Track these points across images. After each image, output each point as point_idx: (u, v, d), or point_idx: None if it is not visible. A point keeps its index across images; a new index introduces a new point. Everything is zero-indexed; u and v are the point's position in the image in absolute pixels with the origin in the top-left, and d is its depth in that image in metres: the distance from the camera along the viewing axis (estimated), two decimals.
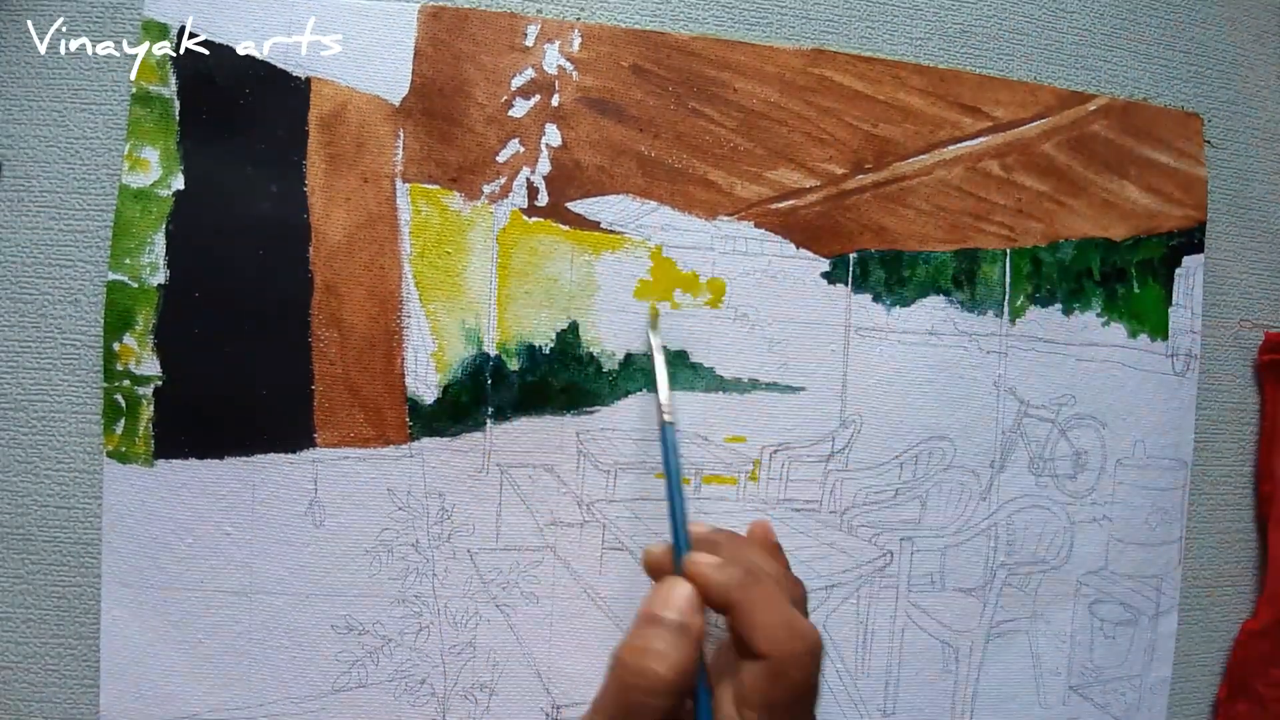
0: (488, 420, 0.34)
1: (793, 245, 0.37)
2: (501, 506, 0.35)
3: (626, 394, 0.35)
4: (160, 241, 0.33)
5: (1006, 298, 0.38)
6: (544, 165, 0.35)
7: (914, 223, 0.38)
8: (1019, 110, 0.39)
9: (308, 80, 0.34)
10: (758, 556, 0.29)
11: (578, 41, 0.35)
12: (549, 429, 0.35)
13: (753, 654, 0.26)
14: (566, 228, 0.35)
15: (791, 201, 0.37)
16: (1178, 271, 0.40)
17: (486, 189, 0.35)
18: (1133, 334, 0.40)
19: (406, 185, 0.34)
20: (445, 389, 0.34)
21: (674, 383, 0.36)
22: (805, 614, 0.28)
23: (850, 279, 0.37)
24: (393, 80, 0.34)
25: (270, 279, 0.33)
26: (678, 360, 0.36)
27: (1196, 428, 0.41)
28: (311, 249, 0.34)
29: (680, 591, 0.27)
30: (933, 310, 0.38)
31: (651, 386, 0.35)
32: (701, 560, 0.27)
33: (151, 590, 0.33)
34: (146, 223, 0.33)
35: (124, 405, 0.33)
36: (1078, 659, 0.40)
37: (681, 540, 0.29)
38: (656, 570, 0.29)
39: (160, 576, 0.33)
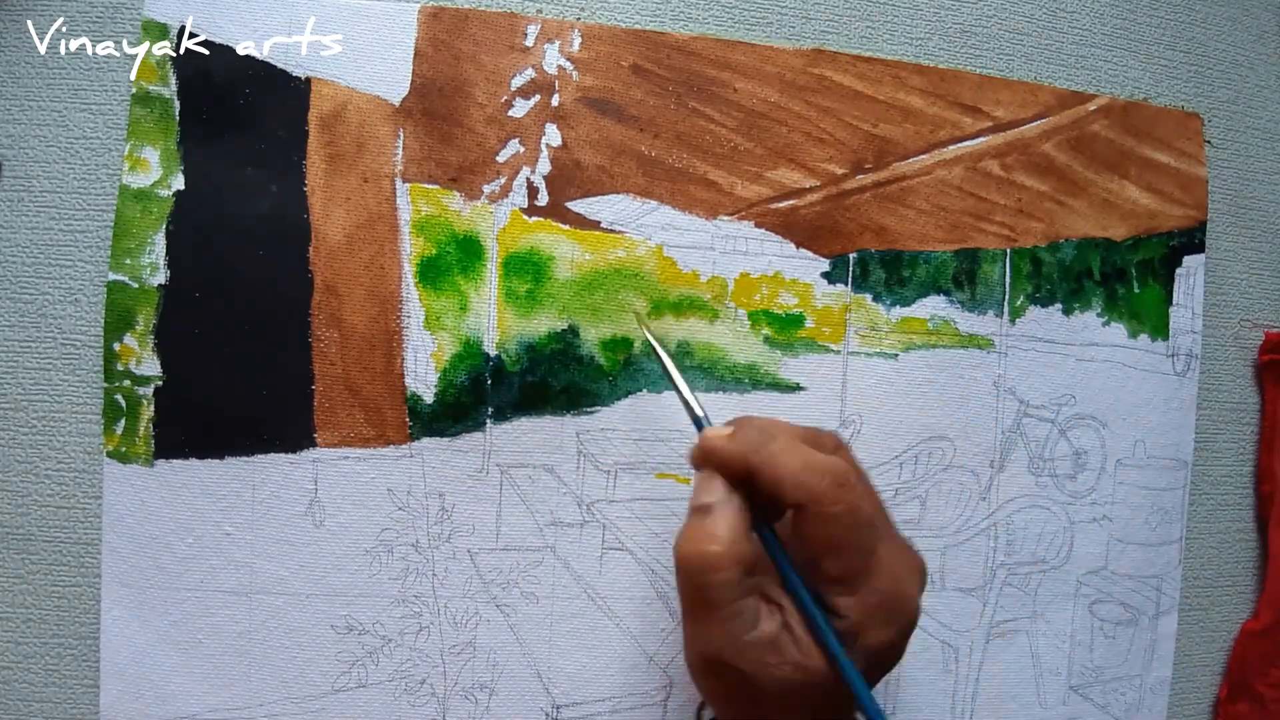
0: (488, 420, 0.34)
1: (793, 245, 0.37)
2: (501, 506, 0.35)
3: (626, 394, 0.35)
4: (160, 241, 0.33)
5: (1006, 298, 0.38)
6: (544, 165, 0.35)
7: (914, 223, 0.38)
8: (1019, 110, 0.39)
9: (308, 80, 0.34)
10: (775, 423, 0.29)
11: (578, 41, 0.35)
12: (549, 429, 0.35)
13: (791, 509, 0.27)
14: (567, 227, 0.35)
15: (792, 201, 0.37)
16: (1178, 271, 0.40)
17: (486, 189, 0.35)
18: (1133, 334, 0.40)
19: (406, 185, 0.34)
20: (445, 389, 0.34)
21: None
22: (859, 480, 0.28)
23: (850, 279, 0.37)
24: (393, 80, 0.34)
25: (270, 279, 0.33)
26: (680, 360, 0.36)
27: (1196, 428, 0.41)
28: (311, 249, 0.34)
29: (710, 477, 0.28)
30: (933, 310, 0.38)
31: (657, 385, 0.35)
32: (713, 434, 0.28)
33: (151, 590, 0.33)
34: (146, 223, 0.33)
35: (124, 405, 0.33)
36: (1078, 659, 0.39)
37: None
38: (696, 463, 0.30)
39: (160, 576, 0.33)
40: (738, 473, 0.28)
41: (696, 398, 0.31)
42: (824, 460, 0.27)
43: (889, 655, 0.28)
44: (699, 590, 0.27)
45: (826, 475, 0.26)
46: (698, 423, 0.30)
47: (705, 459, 0.28)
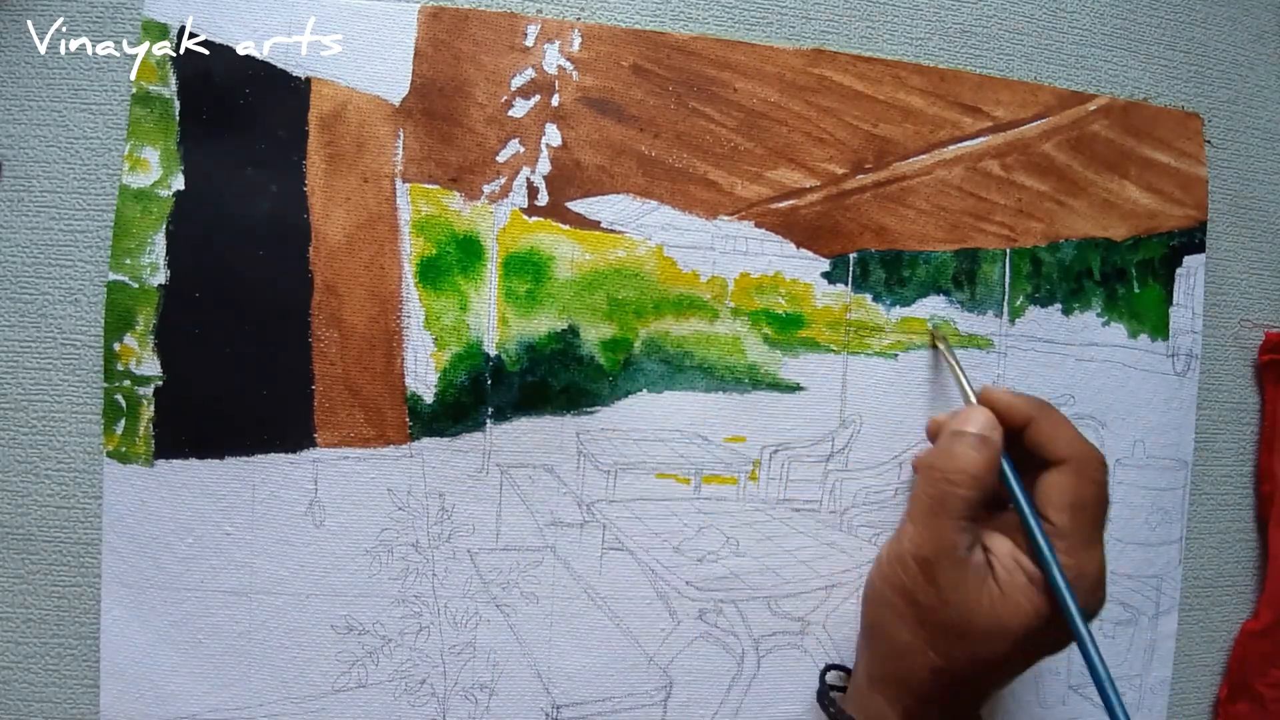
0: (488, 420, 0.34)
1: (793, 245, 0.37)
2: (501, 506, 0.35)
3: (626, 394, 0.35)
4: (160, 241, 0.33)
5: (1006, 298, 0.38)
6: (544, 165, 0.35)
7: (914, 223, 0.38)
8: (1019, 110, 0.39)
9: (308, 80, 0.34)
10: None
11: (578, 41, 0.35)
12: (549, 429, 0.35)
13: (1052, 462, 0.30)
14: (567, 227, 0.35)
15: (792, 201, 0.37)
16: (1178, 271, 0.40)
17: (486, 189, 0.35)
18: (1133, 334, 0.40)
19: (406, 185, 0.34)
20: (445, 389, 0.34)
21: (673, 383, 0.36)
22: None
23: (850, 279, 0.37)
24: (393, 80, 0.34)
25: (270, 279, 0.33)
26: (679, 360, 0.36)
27: (1196, 428, 0.41)
28: (311, 249, 0.34)
29: (980, 412, 0.32)
30: (933, 310, 0.38)
31: (657, 385, 0.35)
32: (1000, 388, 0.33)
33: (151, 590, 0.33)
34: (146, 223, 0.33)
35: (124, 405, 0.33)
36: (1077, 659, 0.39)
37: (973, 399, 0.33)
38: (937, 431, 0.33)
39: (160, 576, 0.33)
40: (1015, 420, 0.31)
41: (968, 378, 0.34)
42: (1091, 442, 0.31)
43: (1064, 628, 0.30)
44: (941, 496, 0.30)
45: (1096, 449, 0.31)
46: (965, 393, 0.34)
47: (989, 402, 0.32)
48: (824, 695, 0.34)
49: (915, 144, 0.38)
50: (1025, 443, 0.31)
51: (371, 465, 0.34)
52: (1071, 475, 0.30)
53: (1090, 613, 0.30)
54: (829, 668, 0.36)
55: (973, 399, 0.33)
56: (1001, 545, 0.30)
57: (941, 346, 0.36)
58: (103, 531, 0.33)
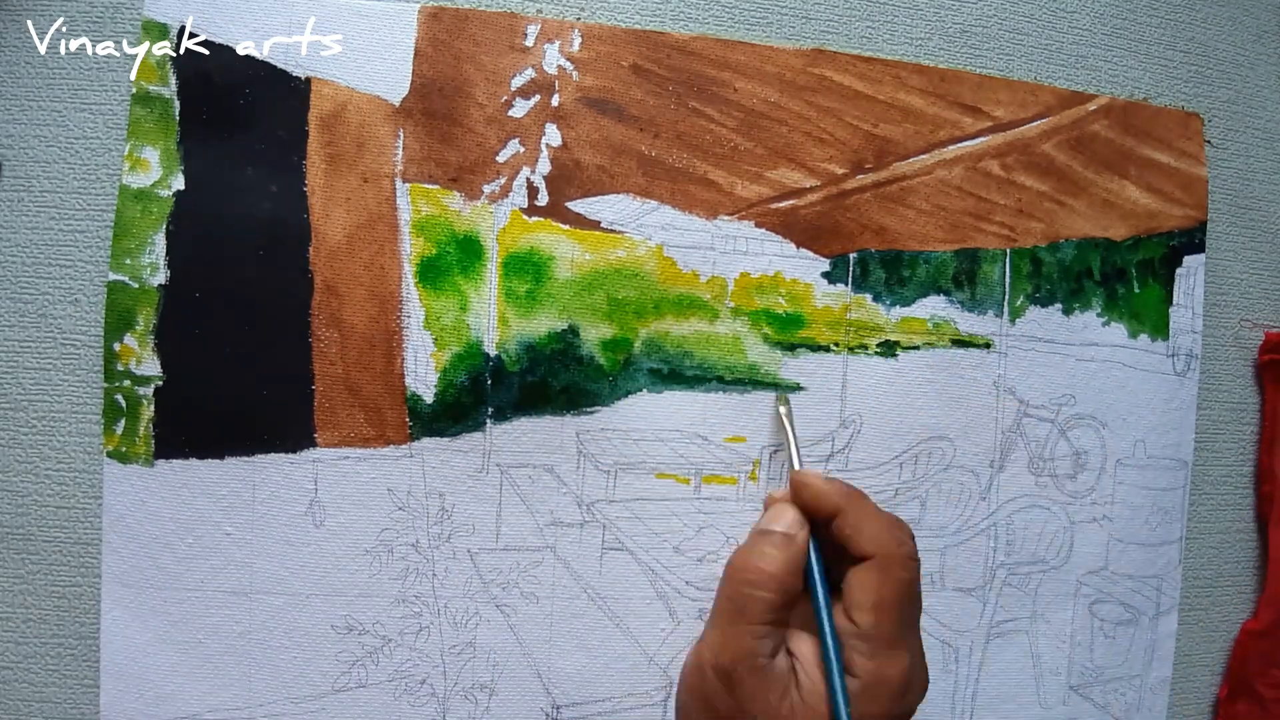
0: (488, 420, 0.34)
1: (793, 245, 0.37)
2: (501, 506, 0.35)
3: (626, 394, 0.35)
4: (160, 241, 0.33)
5: (1006, 298, 0.38)
6: (544, 165, 0.35)
7: (914, 223, 0.38)
8: (1019, 110, 0.39)
9: (308, 80, 0.34)
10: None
11: (578, 41, 0.35)
12: (549, 429, 0.35)
13: (858, 558, 0.29)
14: (567, 227, 0.35)
15: (792, 201, 0.37)
16: (1178, 271, 0.40)
17: (486, 189, 0.35)
18: (1133, 334, 0.40)
19: (406, 185, 0.34)
20: (445, 389, 0.34)
21: (673, 383, 0.36)
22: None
23: (850, 279, 0.37)
24: (393, 80, 0.34)
25: (270, 279, 0.33)
26: (679, 360, 0.36)
27: (1196, 428, 0.41)
28: (311, 249, 0.34)
29: (786, 509, 0.31)
30: (933, 310, 0.38)
31: (657, 386, 0.35)
32: (810, 472, 0.32)
33: (151, 590, 0.33)
34: (147, 223, 0.33)
35: (124, 405, 0.33)
36: (1078, 659, 0.40)
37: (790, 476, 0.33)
38: (768, 504, 0.33)
39: (160, 576, 0.33)
40: (822, 510, 0.30)
41: (799, 449, 0.35)
42: (906, 530, 0.30)
43: None
44: (740, 600, 0.29)
45: (906, 542, 0.29)
46: (792, 465, 0.33)
47: (797, 491, 0.31)
48: None
49: (915, 144, 0.38)
50: (834, 535, 0.30)
51: (371, 465, 0.34)
52: (876, 572, 0.28)
53: (905, 715, 0.29)
54: None
55: (796, 459, 0.34)
56: (808, 650, 0.29)
57: (783, 411, 0.35)
58: (103, 531, 0.33)
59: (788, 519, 0.30)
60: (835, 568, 0.31)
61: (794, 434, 0.35)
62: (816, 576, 0.30)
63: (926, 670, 0.30)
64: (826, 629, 0.29)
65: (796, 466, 0.33)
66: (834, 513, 0.30)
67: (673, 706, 0.36)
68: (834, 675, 0.28)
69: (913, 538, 0.30)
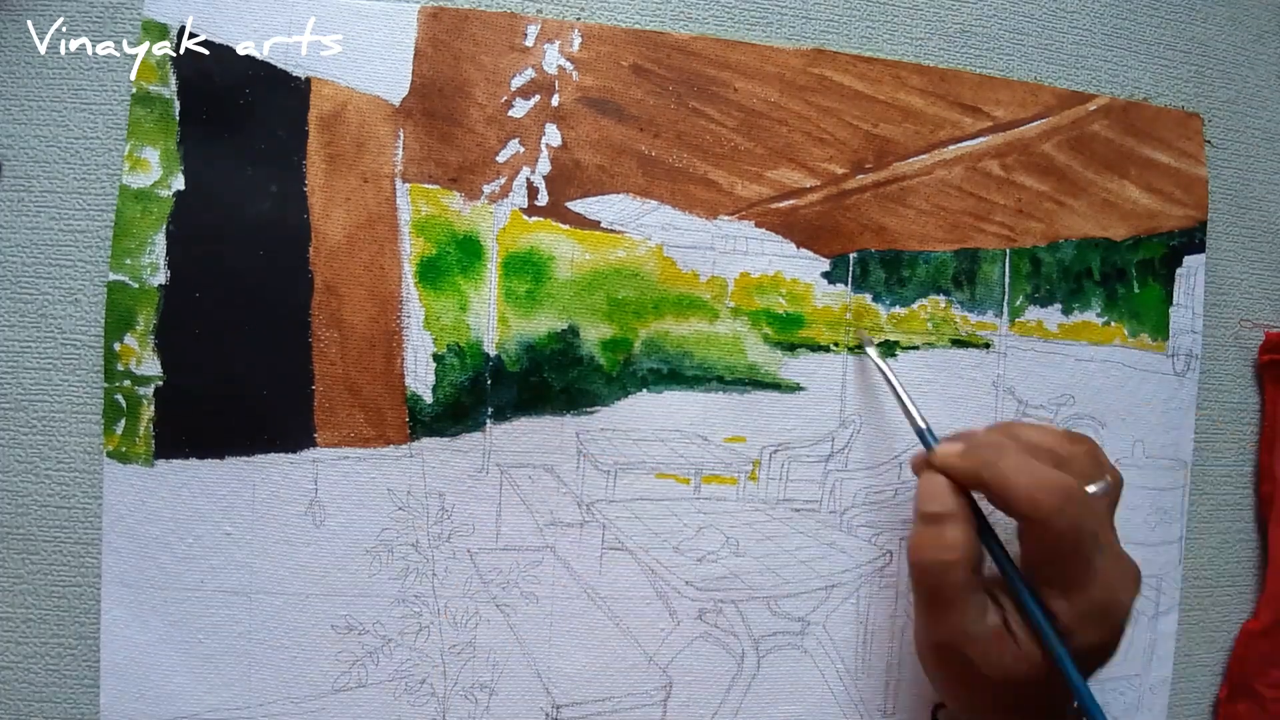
0: (488, 420, 0.34)
1: (793, 245, 0.37)
2: (501, 506, 0.35)
3: (626, 394, 0.35)
4: (160, 242, 0.33)
5: (1006, 298, 0.38)
6: (544, 165, 0.35)
7: (914, 222, 0.38)
8: (1019, 110, 0.39)
9: (308, 80, 0.34)
10: (1005, 432, 0.32)
11: (578, 41, 0.35)
12: (549, 429, 0.35)
13: (1018, 519, 0.29)
14: (567, 227, 0.35)
15: (792, 201, 0.37)
16: (1178, 271, 0.40)
17: (486, 189, 0.35)
18: (1133, 334, 0.40)
19: (406, 185, 0.34)
20: (445, 389, 0.34)
21: (673, 383, 0.36)
22: (1098, 466, 0.32)
23: (850, 279, 0.37)
24: (393, 80, 0.34)
25: (270, 279, 0.33)
26: (679, 360, 0.36)
27: (1196, 428, 0.41)
28: (311, 249, 0.34)
29: (937, 484, 0.31)
30: (933, 310, 0.38)
31: (657, 385, 0.35)
32: (947, 450, 0.31)
33: (151, 590, 0.33)
34: (147, 223, 0.33)
35: (124, 405, 0.33)
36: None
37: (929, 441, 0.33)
38: (919, 469, 0.32)
39: (160, 576, 0.33)
40: (968, 485, 0.30)
41: (920, 411, 0.33)
42: (1052, 478, 0.29)
43: (1100, 654, 0.30)
44: (935, 590, 0.30)
45: (1055, 493, 0.28)
46: (921, 435, 0.33)
47: (940, 473, 0.31)
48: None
49: (915, 144, 0.38)
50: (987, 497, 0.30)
51: (371, 465, 0.34)
52: (1037, 530, 0.29)
53: (1120, 625, 0.30)
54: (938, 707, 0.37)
55: (918, 419, 0.33)
56: (1009, 597, 0.30)
57: (873, 354, 0.34)
58: (103, 531, 0.33)
59: (943, 497, 0.30)
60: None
61: (897, 381, 0.34)
62: (993, 545, 0.31)
63: (1131, 564, 0.31)
64: (1019, 586, 0.30)
65: (917, 419, 0.33)
66: (980, 488, 0.30)
67: (672, 706, 0.36)
68: (1037, 618, 0.29)
69: (1090, 451, 0.31)
